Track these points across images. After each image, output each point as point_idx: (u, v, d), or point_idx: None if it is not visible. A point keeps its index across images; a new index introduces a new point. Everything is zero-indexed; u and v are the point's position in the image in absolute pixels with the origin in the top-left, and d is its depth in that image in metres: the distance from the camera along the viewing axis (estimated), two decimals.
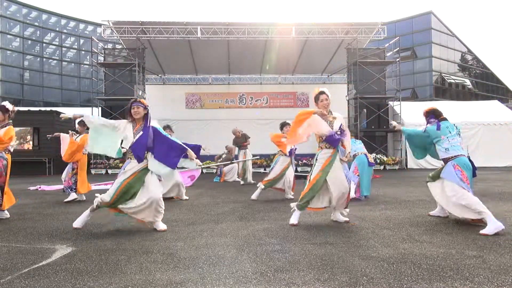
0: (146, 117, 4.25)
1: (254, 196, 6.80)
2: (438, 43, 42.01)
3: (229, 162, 12.00)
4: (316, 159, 4.42)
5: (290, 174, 6.89)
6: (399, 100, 17.20)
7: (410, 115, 16.66)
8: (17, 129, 15.11)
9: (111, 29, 16.11)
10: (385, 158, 16.48)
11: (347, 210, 4.51)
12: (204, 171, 15.49)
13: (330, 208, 4.52)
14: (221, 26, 15.78)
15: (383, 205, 5.91)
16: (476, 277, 2.53)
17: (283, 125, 7.07)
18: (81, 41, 44.56)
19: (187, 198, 7.10)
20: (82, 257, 3.13)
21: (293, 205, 4.48)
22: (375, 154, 16.32)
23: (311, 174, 4.43)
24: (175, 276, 2.65)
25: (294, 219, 4.37)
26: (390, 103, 17.97)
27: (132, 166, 4.16)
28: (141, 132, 4.15)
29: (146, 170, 4.19)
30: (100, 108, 17.07)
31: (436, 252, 3.14)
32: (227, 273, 2.70)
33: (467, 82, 46.58)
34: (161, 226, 4.22)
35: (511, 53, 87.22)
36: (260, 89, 20.59)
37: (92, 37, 18.44)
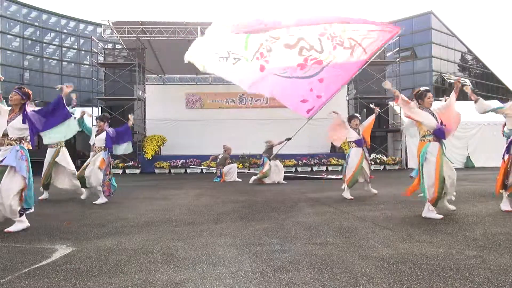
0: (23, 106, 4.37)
1: (347, 195, 6.75)
2: (438, 43, 41.95)
3: (222, 159, 11.98)
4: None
5: (366, 166, 7.08)
6: None
7: None
8: None
9: (111, 29, 16.10)
10: (385, 158, 16.46)
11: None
12: (204, 171, 15.47)
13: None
14: None
15: (383, 205, 5.91)
16: (476, 277, 2.53)
17: (351, 118, 7.43)
18: (81, 41, 44.49)
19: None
20: (82, 257, 3.13)
21: None
22: (375, 154, 16.30)
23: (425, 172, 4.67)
24: (175, 276, 2.65)
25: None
26: (390, 103, 17.94)
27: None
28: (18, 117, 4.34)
29: None
30: (100, 108, 17.05)
31: (436, 252, 3.13)
32: (227, 273, 2.70)
33: (467, 82, 46.50)
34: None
35: (511, 53, 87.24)
36: None
37: (92, 37, 18.43)
